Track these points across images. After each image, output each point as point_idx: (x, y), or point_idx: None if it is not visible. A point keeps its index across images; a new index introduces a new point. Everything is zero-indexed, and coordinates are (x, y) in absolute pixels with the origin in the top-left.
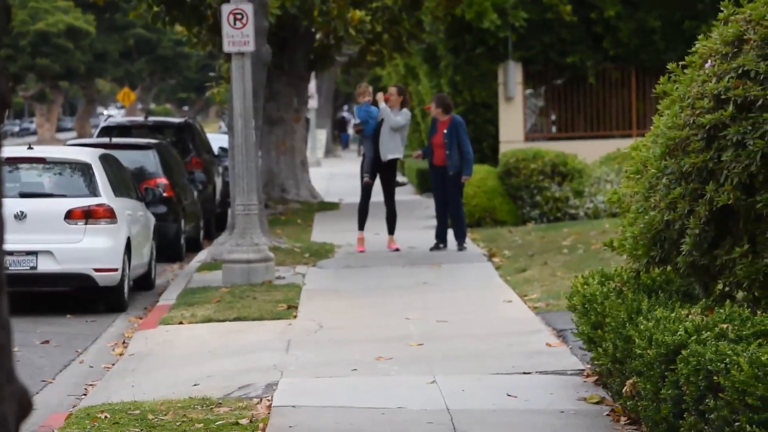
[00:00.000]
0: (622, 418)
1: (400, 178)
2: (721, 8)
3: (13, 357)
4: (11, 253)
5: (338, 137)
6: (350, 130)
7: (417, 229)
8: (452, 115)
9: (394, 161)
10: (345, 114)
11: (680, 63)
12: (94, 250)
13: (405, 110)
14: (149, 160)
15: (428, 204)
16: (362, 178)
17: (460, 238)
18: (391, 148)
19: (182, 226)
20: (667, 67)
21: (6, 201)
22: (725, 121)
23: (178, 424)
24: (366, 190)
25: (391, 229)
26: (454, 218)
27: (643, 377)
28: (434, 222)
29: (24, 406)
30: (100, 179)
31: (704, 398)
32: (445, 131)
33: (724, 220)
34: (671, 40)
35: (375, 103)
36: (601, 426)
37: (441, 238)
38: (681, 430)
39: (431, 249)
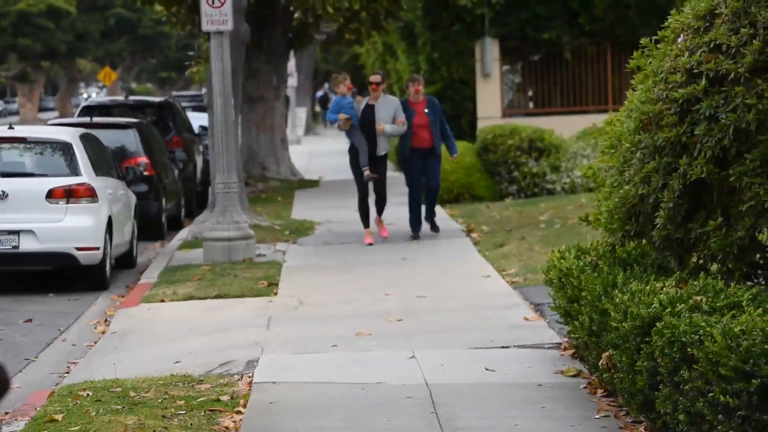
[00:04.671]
0: (599, 391)
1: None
2: None
3: None
4: None
5: (321, 115)
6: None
7: (395, 206)
8: (425, 96)
9: (386, 154)
10: (327, 91)
11: (653, 38)
12: (76, 229)
13: (389, 97)
14: (130, 139)
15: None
16: (356, 172)
17: (434, 215)
18: (384, 146)
19: (163, 204)
20: (641, 42)
21: None
22: (698, 95)
23: (159, 401)
24: (366, 186)
25: (380, 210)
26: (434, 198)
27: (619, 350)
28: None
29: (1, 383)
30: (80, 158)
31: (679, 370)
32: (426, 111)
33: (697, 194)
34: (646, 14)
35: (353, 95)
36: (578, 398)
37: (419, 224)
38: (656, 401)
39: (412, 238)
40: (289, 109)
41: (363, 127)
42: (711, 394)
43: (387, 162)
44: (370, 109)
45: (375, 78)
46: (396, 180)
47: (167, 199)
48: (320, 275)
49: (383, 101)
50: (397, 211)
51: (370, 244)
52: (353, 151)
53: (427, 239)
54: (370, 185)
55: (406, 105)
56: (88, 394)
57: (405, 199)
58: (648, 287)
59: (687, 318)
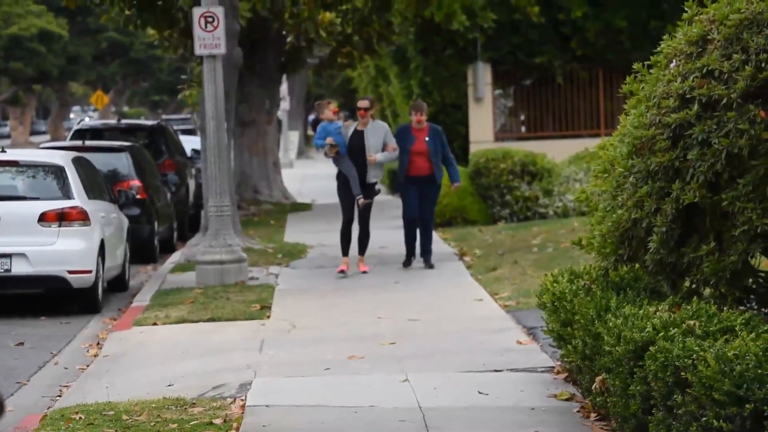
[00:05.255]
0: (592, 415)
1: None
2: (686, 8)
3: None
4: None
5: (313, 138)
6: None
7: (388, 229)
8: (429, 123)
9: (376, 182)
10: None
11: (646, 63)
12: (68, 252)
13: (378, 122)
14: (122, 163)
15: (399, 204)
16: (342, 199)
17: (430, 254)
18: (374, 173)
19: (155, 227)
20: (633, 67)
21: None
22: (690, 120)
23: (152, 424)
24: (352, 214)
25: (362, 250)
26: (428, 232)
27: (612, 374)
28: None
29: None
30: (73, 182)
31: (672, 394)
32: (426, 139)
33: (690, 218)
34: (637, 40)
35: (346, 118)
36: (571, 422)
37: (413, 253)
38: (650, 425)
39: (404, 265)
40: (281, 132)
41: (351, 153)
42: (704, 419)
43: (376, 189)
44: (358, 135)
45: (363, 104)
46: (390, 203)
47: (159, 222)
48: (313, 298)
49: (372, 127)
50: (391, 234)
51: (343, 272)
52: (341, 178)
53: (419, 263)
54: (356, 212)
55: (408, 131)
56: (80, 418)
57: (399, 223)
58: (641, 311)
59: (680, 342)
